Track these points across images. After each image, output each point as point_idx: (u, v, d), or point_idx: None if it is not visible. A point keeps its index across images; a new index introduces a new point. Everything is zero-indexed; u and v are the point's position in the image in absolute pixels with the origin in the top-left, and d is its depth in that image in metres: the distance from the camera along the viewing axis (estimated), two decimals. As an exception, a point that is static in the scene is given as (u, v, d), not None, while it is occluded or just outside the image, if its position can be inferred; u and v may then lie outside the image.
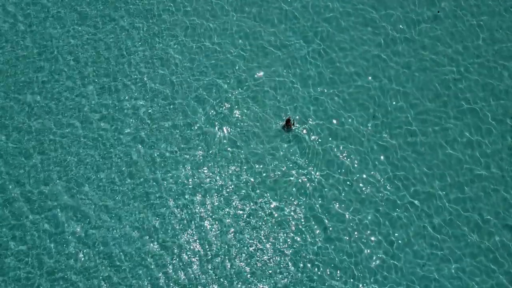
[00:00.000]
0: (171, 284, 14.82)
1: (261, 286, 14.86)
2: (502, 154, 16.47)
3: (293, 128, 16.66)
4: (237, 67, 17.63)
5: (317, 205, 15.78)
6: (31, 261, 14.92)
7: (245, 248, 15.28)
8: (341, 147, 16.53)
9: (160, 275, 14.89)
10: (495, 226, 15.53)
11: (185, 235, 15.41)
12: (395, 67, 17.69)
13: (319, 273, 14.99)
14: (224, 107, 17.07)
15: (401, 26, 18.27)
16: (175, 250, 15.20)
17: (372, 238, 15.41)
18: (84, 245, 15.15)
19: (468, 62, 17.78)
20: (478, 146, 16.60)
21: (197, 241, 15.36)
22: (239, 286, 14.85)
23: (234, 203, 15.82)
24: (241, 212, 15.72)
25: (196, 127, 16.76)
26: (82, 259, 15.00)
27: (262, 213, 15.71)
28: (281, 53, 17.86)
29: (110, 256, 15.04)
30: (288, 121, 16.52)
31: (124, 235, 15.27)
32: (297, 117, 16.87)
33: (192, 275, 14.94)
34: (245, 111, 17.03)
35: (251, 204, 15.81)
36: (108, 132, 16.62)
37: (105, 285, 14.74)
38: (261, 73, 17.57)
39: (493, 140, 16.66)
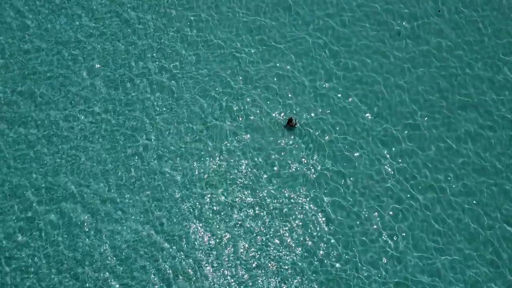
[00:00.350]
0: (176, 275, 14.97)
1: (264, 278, 14.96)
2: (504, 149, 16.51)
3: (296, 126, 16.74)
4: (241, 62, 17.75)
5: (320, 199, 15.87)
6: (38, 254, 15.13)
7: (246, 242, 15.40)
8: (344, 142, 16.62)
9: (164, 266, 15.05)
10: (496, 220, 15.58)
11: (188, 228, 15.56)
12: (398, 62, 17.76)
13: (321, 266, 15.07)
14: (228, 102, 17.18)
15: (404, 22, 18.35)
16: (180, 242, 15.36)
17: (375, 231, 15.49)
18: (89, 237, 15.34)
19: (470, 58, 17.82)
20: (480, 141, 16.64)
21: (199, 234, 15.52)
22: (241, 277, 14.96)
23: (235, 199, 15.95)
24: (243, 204, 15.83)
25: (199, 122, 16.89)
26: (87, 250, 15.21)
27: (265, 206, 15.81)
28: (284, 48, 17.98)
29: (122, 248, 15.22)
30: (290, 120, 16.64)
31: (135, 228, 15.45)
32: (298, 109, 16.97)
33: (195, 266, 15.09)
34: (249, 106, 17.14)
35: (252, 199, 15.92)
36: (113, 126, 16.79)
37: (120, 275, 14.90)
38: (264, 68, 17.68)
39: (495, 135, 16.69)
